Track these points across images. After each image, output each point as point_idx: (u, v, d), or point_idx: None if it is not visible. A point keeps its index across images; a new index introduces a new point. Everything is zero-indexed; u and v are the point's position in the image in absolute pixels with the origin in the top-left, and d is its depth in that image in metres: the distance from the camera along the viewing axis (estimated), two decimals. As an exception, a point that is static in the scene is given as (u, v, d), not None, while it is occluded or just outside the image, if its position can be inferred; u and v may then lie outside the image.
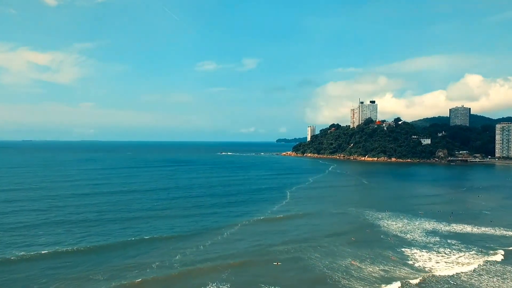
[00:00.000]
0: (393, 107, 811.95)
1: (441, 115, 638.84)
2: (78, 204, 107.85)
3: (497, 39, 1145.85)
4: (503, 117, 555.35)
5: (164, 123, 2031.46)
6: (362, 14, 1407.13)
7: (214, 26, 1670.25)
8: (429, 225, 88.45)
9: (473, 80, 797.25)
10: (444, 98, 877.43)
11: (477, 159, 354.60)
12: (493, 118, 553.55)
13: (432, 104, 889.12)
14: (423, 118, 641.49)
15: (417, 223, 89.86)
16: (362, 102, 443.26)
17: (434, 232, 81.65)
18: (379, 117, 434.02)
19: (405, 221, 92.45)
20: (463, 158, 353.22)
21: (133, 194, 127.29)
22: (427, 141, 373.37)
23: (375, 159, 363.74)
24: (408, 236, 78.40)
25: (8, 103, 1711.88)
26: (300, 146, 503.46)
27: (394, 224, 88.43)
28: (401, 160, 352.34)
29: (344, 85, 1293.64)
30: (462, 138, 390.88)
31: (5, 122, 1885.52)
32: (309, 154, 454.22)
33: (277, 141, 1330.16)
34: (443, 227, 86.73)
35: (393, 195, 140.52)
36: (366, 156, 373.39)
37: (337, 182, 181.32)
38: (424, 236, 78.69)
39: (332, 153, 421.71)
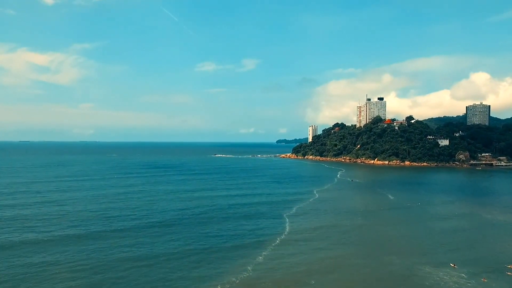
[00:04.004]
0: (396, 107, 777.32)
1: (446, 115, 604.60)
2: None
3: (498, 38, 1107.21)
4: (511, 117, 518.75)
5: (164, 124, 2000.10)
6: (362, 14, 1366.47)
7: (213, 27, 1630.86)
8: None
9: (480, 79, 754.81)
10: (449, 98, 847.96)
11: (503, 163, 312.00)
12: (501, 118, 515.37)
13: (436, 104, 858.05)
14: (429, 118, 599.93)
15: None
16: (369, 99, 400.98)
17: None
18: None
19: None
20: (487, 162, 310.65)
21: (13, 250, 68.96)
22: (445, 142, 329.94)
23: (386, 162, 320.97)
24: None
25: (8, 103, 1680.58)
26: (300, 147, 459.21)
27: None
28: (416, 164, 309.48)
29: (346, 84, 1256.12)
30: (483, 138, 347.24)
31: (5, 122, 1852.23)
32: (311, 156, 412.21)
33: (277, 142, 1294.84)
34: None
35: (442, 226, 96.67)
36: (376, 159, 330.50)
37: (353, 200, 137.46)
38: None
39: (336, 155, 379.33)
